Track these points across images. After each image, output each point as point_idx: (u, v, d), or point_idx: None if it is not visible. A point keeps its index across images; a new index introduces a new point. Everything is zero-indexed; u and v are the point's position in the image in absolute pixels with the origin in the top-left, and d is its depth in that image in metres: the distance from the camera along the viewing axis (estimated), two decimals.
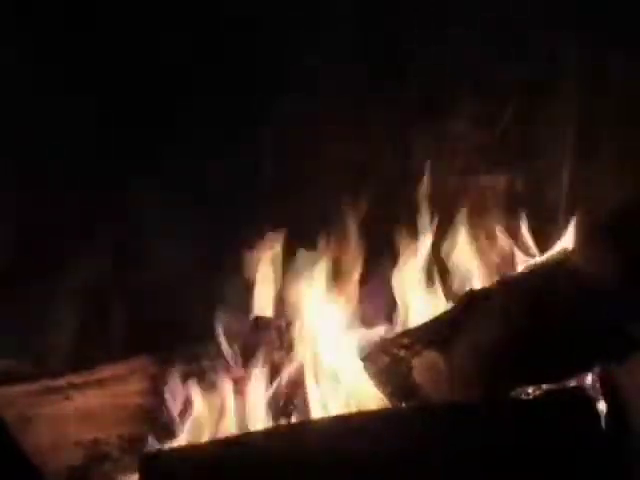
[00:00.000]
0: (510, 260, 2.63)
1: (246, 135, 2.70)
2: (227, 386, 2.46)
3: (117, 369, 2.58)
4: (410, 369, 2.18)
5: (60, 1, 2.69)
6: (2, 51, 2.65)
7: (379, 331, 2.51)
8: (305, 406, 2.43)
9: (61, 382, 2.54)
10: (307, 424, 2.26)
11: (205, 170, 2.70)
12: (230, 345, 2.57)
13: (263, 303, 2.63)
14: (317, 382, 2.43)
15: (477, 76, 2.66)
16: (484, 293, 2.23)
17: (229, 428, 2.41)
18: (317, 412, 2.40)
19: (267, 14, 2.68)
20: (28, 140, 2.69)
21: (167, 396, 2.49)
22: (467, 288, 2.48)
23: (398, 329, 2.47)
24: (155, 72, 2.70)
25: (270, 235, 2.64)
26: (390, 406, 2.23)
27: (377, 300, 2.58)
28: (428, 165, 2.66)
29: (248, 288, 2.63)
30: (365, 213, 2.64)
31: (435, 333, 2.18)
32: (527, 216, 2.67)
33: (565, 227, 2.53)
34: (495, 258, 2.64)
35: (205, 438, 2.39)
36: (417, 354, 2.17)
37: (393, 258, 2.60)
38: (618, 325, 2.09)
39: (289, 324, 2.56)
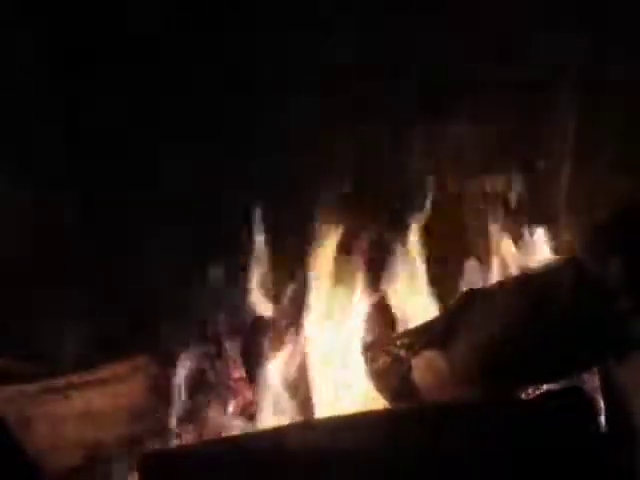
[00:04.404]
0: (510, 260, 2.63)
1: (244, 135, 2.70)
2: (227, 386, 2.46)
3: (117, 369, 2.58)
4: (410, 369, 2.18)
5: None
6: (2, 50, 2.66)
7: (379, 330, 2.51)
8: (305, 406, 2.43)
9: (61, 382, 2.54)
10: (307, 424, 2.26)
11: (204, 169, 2.70)
12: (230, 345, 2.57)
13: (263, 303, 2.63)
14: (317, 382, 2.43)
15: (477, 76, 2.65)
16: (484, 293, 2.23)
17: (229, 428, 2.42)
18: (317, 412, 2.40)
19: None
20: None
21: (167, 396, 2.50)
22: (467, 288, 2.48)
23: (398, 329, 2.48)
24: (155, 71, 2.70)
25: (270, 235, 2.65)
26: (390, 406, 2.24)
27: (377, 299, 2.58)
28: (428, 165, 2.67)
29: (248, 287, 2.63)
30: (365, 213, 2.64)
31: (435, 333, 2.18)
32: (527, 216, 2.67)
33: (565, 227, 2.53)
34: (495, 258, 2.64)
35: (205, 438, 2.40)
36: (417, 354, 2.18)
37: (393, 258, 2.61)
38: (618, 325, 2.09)
39: (289, 324, 2.56)
